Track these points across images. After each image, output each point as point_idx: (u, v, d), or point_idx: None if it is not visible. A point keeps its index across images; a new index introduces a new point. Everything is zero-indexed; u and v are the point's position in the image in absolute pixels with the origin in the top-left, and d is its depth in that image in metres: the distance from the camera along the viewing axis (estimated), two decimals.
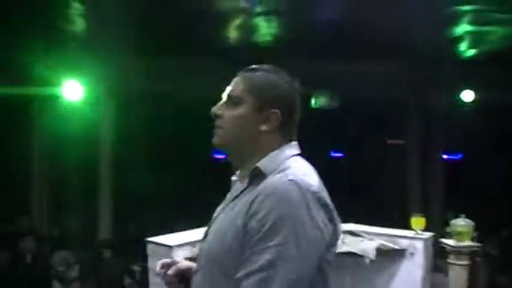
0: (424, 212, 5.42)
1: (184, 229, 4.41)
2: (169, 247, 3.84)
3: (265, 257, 1.79)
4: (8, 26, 8.24)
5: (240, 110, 2.02)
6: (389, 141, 14.36)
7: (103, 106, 10.93)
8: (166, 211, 11.91)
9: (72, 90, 10.16)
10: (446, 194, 11.65)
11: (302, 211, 1.83)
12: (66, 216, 12.03)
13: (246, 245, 1.85)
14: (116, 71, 10.35)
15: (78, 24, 8.61)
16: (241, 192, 2.01)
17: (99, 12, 8.09)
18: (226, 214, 2.01)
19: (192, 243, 3.80)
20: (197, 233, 3.47)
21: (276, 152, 2.01)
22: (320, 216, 1.88)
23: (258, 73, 2.07)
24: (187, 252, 3.77)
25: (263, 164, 1.98)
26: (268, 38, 9.12)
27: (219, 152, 9.90)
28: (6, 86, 10.15)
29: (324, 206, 1.91)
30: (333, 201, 2.00)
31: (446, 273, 5.74)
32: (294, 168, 1.94)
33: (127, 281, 9.11)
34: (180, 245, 3.85)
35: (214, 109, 2.07)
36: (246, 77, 2.08)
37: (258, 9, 7.96)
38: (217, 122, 2.06)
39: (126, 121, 11.00)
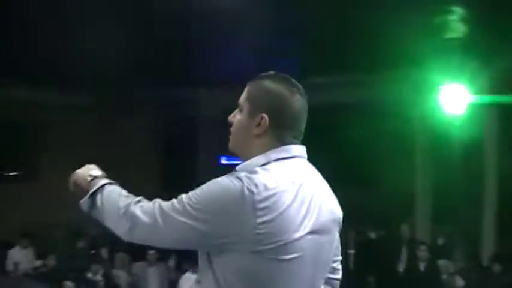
0: None
1: None
2: None
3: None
4: None
5: (240, 117, 2.11)
6: None
7: (487, 115, 10.78)
8: None
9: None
10: None
11: (222, 198, 1.88)
12: (449, 226, 11.99)
13: None
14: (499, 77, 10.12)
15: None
16: None
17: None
18: None
19: None
20: None
21: (260, 156, 2.03)
22: (237, 215, 1.86)
23: (258, 80, 2.13)
24: None
25: (240, 167, 2.04)
26: None
27: None
28: None
29: (259, 209, 1.86)
30: None
31: None
32: (258, 173, 1.93)
33: None
34: None
35: (229, 117, 2.16)
36: (248, 85, 2.15)
37: None
38: (230, 129, 2.16)
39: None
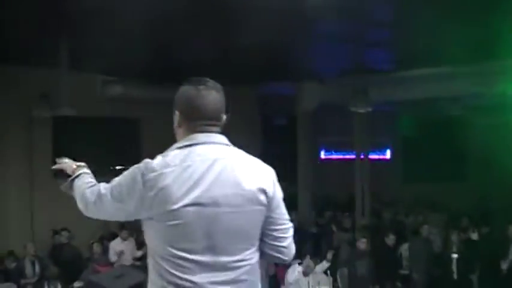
0: None
1: None
2: None
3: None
4: None
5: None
6: None
7: None
8: None
9: None
10: None
11: (129, 181, 2.51)
12: None
13: None
14: None
15: None
16: None
17: None
18: None
19: None
20: None
21: (174, 145, 2.58)
22: (136, 193, 2.47)
23: (181, 86, 2.64)
24: None
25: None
26: None
27: None
28: None
29: (147, 187, 2.44)
30: None
31: None
32: (156, 159, 2.50)
33: None
34: None
35: None
36: None
37: None
38: None
39: None
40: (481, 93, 11.93)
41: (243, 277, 2.52)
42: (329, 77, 13.35)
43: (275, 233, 2.61)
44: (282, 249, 2.65)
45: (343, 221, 13.49)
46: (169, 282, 2.47)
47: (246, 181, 2.52)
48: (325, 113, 14.55)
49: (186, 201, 2.42)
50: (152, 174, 2.44)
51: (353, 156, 15.04)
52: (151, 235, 2.52)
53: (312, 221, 14.00)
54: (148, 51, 10.42)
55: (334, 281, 10.20)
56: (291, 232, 2.67)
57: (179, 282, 2.46)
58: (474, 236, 10.68)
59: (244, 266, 2.53)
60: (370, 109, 12.55)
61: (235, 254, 2.50)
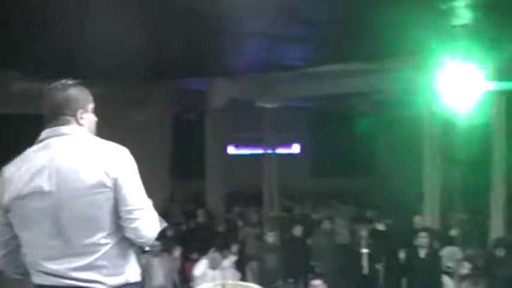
0: None
1: None
2: None
3: None
4: None
5: None
6: None
7: (495, 102, 10.71)
8: None
9: None
10: None
11: None
12: (459, 215, 11.76)
13: None
14: None
15: None
16: None
17: None
18: None
19: None
20: None
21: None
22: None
23: None
24: None
25: None
26: None
27: None
28: None
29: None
30: None
31: None
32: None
33: None
34: None
35: None
36: None
37: None
38: None
39: None
40: (388, 89, 12.33)
41: (101, 262, 2.62)
42: (240, 72, 13.37)
43: (126, 215, 2.66)
44: (135, 230, 2.69)
45: (251, 215, 13.60)
46: (35, 270, 2.65)
47: (88, 167, 2.62)
48: (236, 108, 14.61)
49: (27, 190, 2.62)
50: (1, 177, 2.73)
51: (262, 151, 15.18)
52: (14, 226, 2.70)
53: (220, 216, 14.03)
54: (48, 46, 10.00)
55: (243, 275, 10.27)
56: (143, 213, 2.70)
57: (40, 268, 2.62)
58: (380, 227, 10.98)
59: (99, 251, 2.62)
60: (279, 105, 12.68)
61: (85, 239, 2.60)
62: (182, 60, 11.46)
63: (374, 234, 10.84)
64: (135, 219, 2.67)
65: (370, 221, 11.90)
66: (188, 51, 10.56)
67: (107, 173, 2.61)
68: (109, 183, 2.62)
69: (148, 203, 2.76)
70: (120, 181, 2.64)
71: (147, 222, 2.71)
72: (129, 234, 2.69)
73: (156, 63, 11.66)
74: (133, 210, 2.67)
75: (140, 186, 2.73)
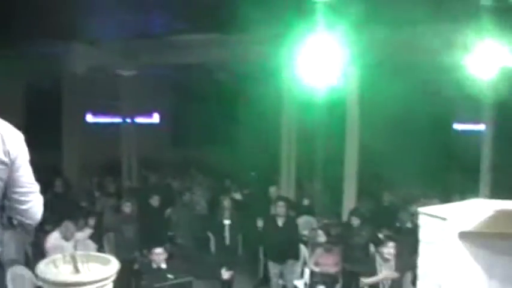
0: None
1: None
2: (444, 219, 3.73)
3: None
4: None
5: None
6: None
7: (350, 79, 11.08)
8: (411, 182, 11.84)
9: None
10: None
11: None
12: (314, 186, 12.49)
13: None
14: None
15: None
16: None
17: None
18: None
19: (464, 216, 3.72)
20: (467, 207, 3.82)
21: None
22: None
23: None
24: (460, 225, 3.70)
25: None
26: None
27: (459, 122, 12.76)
28: None
29: None
30: None
31: None
32: None
33: (373, 248, 9.17)
34: (454, 218, 3.73)
35: None
36: None
37: None
38: None
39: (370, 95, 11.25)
40: (248, 61, 12.33)
41: None
42: (100, 39, 12.81)
43: (18, 196, 2.72)
44: (25, 212, 2.75)
45: (108, 185, 13.29)
46: None
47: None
48: (94, 76, 14.07)
49: None
50: None
51: (120, 120, 14.83)
52: None
53: (77, 187, 13.58)
54: None
55: (101, 247, 10.02)
56: (35, 197, 2.79)
57: None
58: (237, 196, 11.15)
59: None
60: (137, 73, 12.40)
61: None
62: (34, 22, 10.64)
63: (232, 204, 10.98)
64: (28, 201, 2.75)
65: (228, 191, 12.05)
66: (42, 12, 9.85)
67: (7, 152, 2.64)
68: (7, 160, 2.63)
69: (38, 187, 2.81)
70: (18, 162, 2.69)
71: (38, 205, 2.78)
72: (16, 215, 2.72)
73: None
74: (27, 192, 2.74)
75: (31, 170, 2.76)
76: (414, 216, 4.58)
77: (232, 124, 17.78)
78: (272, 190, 11.51)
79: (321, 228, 10.38)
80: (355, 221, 10.03)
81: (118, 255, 5.00)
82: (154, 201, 11.18)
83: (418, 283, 4.05)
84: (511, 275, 3.87)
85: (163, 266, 8.21)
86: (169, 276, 7.92)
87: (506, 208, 3.93)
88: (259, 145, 14.95)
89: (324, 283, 9.23)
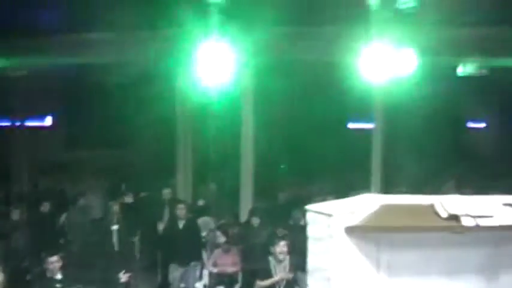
0: None
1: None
2: (330, 215, 3.82)
3: None
4: None
5: None
6: None
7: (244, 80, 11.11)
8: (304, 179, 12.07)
9: None
10: None
11: None
12: (211, 187, 12.44)
13: None
14: None
15: None
16: None
17: None
18: None
19: (351, 212, 3.84)
20: (354, 202, 3.93)
21: None
22: None
23: None
24: (346, 220, 3.79)
25: None
26: None
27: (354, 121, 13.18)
28: None
29: None
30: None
31: None
32: None
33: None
34: (340, 214, 3.83)
35: None
36: None
37: None
38: None
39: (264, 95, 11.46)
40: (144, 61, 12.09)
41: None
42: None
43: None
44: None
45: None
46: None
47: None
48: None
49: None
50: None
51: (10, 124, 14.22)
52: None
53: None
54: None
55: None
56: None
57: None
58: (129, 200, 10.94)
59: None
60: (28, 73, 11.91)
61: None
62: None
63: (124, 208, 10.67)
64: None
65: (122, 195, 11.80)
66: None
67: None
68: None
69: None
70: None
71: None
72: None
73: None
74: None
75: None
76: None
77: (128, 126, 17.65)
78: (166, 192, 11.32)
79: (219, 228, 10.35)
80: (255, 221, 10.05)
81: (7, 265, 4.73)
82: (45, 207, 10.75)
83: (308, 278, 4.10)
84: (397, 267, 3.98)
85: (59, 275, 7.87)
86: (58, 286, 7.60)
87: (391, 202, 4.04)
88: (154, 147, 14.78)
89: (222, 283, 9.22)
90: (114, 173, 14.63)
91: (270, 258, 7.78)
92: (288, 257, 7.75)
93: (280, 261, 7.73)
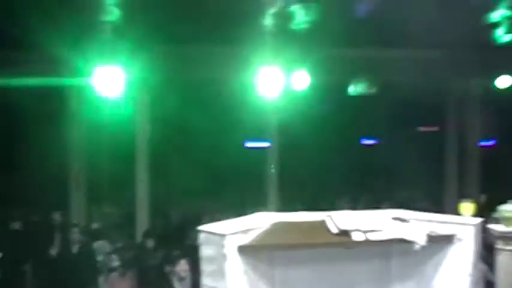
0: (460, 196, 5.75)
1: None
2: (222, 235, 3.83)
3: None
4: None
5: None
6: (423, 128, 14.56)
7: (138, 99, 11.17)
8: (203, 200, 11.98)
9: None
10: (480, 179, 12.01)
11: None
12: (105, 209, 12.07)
13: None
14: None
15: None
16: None
17: None
18: None
19: (244, 231, 3.90)
20: (248, 221, 4.02)
21: None
22: None
23: None
24: (239, 240, 3.84)
25: None
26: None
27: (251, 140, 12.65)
28: None
29: None
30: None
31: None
32: None
33: (167, 268, 8.90)
34: (233, 233, 3.86)
35: None
36: None
37: None
38: None
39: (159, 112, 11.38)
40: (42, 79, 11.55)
41: None
42: None
43: None
44: None
45: None
46: None
47: None
48: None
49: None
50: None
51: None
52: None
53: None
54: None
55: None
56: None
57: None
58: (17, 226, 10.53)
59: None
60: None
61: None
62: None
63: (10, 235, 10.30)
64: None
65: (8, 219, 11.22)
66: None
67: None
68: None
69: None
70: None
71: None
72: None
73: None
74: None
75: None
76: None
77: (22, 148, 17.08)
78: (56, 216, 10.83)
79: (114, 252, 10.06)
80: (150, 243, 9.90)
81: None
82: None
83: None
84: (292, 283, 4.01)
85: None
86: None
87: (284, 220, 4.08)
88: (46, 170, 14.32)
89: None
90: (5, 196, 13.97)
91: (173, 278, 7.67)
92: (189, 275, 7.67)
93: (182, 279, 7.64)
